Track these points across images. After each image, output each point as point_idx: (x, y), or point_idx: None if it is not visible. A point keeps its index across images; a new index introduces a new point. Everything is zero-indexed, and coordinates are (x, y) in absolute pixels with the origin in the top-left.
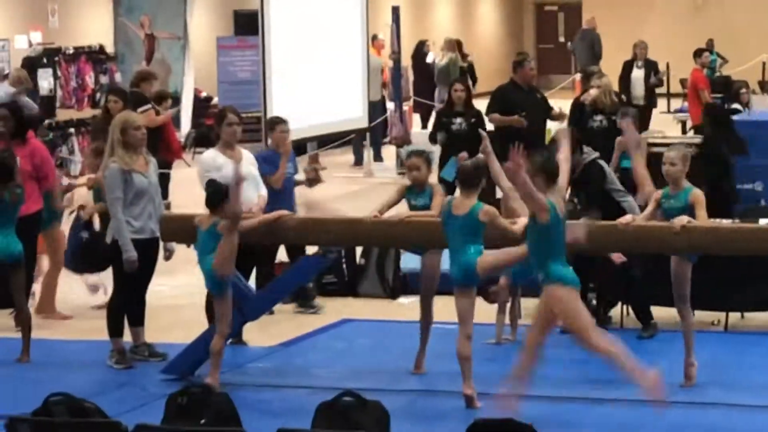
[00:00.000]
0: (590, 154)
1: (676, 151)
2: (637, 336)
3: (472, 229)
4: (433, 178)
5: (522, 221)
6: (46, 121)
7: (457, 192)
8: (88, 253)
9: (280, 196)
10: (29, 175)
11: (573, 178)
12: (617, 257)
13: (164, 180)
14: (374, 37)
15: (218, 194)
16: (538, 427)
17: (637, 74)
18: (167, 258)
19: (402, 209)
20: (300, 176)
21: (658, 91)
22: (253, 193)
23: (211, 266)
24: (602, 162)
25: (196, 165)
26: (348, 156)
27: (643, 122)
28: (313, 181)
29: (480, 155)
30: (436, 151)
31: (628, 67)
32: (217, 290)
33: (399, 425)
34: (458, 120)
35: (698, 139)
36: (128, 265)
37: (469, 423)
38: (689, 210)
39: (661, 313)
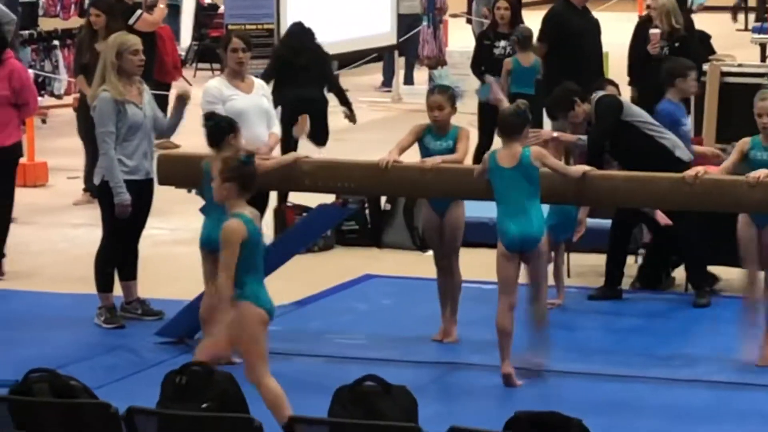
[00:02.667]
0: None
1: None
2: (692, 303)
3: (529, 178)
4: (457, 120)
5: (574, 167)
6: (27, 32)
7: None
8: None
9: None
10: (7, 101)
11: (594, 128)
12: (662, 218)
13: (161, 104)
14: None
15: (220, 129)
16: (590, 411)
17: None
18: None
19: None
20: None
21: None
22: (263, 130)
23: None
24: (615, 95)
25: (201, 92)
26: (373, 77)
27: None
28: None
29: (523, 101)
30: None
31: None
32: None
33: (426, 406)
34: (501, 43)
35: None
36: (120, 210)
37: (507, 401)
38: None
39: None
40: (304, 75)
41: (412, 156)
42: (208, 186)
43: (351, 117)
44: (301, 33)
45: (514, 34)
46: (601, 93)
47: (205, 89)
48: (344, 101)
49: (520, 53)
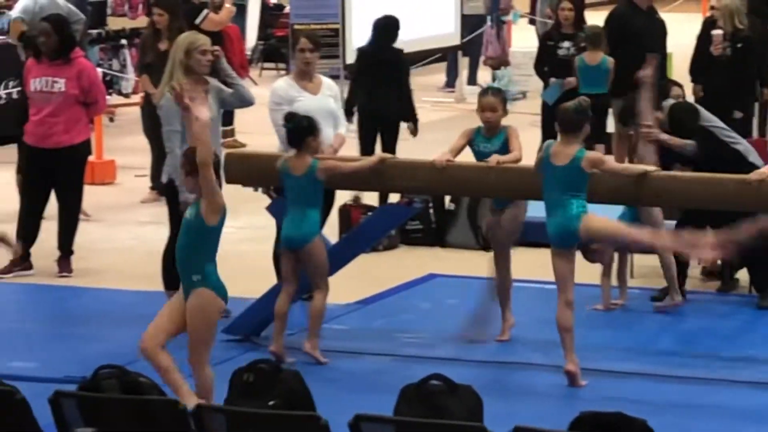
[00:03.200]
0: (666, 102)
1: None
2: (756, 305)
3: (573, 181)
4: (521, 120)
5: (634, 166)
6: (95, 31)
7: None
8: None
9: None
10: (76, 100)
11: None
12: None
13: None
14: None
15: (300, 130)
16: (653, 412)
17: None
18: None
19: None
20: None
21: None
22: (329, 131)
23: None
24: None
25: (267, 91)
26: (437, 77)
27: None
28: None
29: (584, 98)
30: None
31: None
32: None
33: (489, 405)
34: (565, 44)
35: None
36: (185, 208)
37: (570, 401)
38: None
39: None
40: (379, 82)
41: (466, 158)
42: (287, 185)
43: (413, 131)
44: (382, 35)
45: (583, 33)
46: (671, 101)
47: (272, 90)
48: (411, 116)
49: (589, 52)
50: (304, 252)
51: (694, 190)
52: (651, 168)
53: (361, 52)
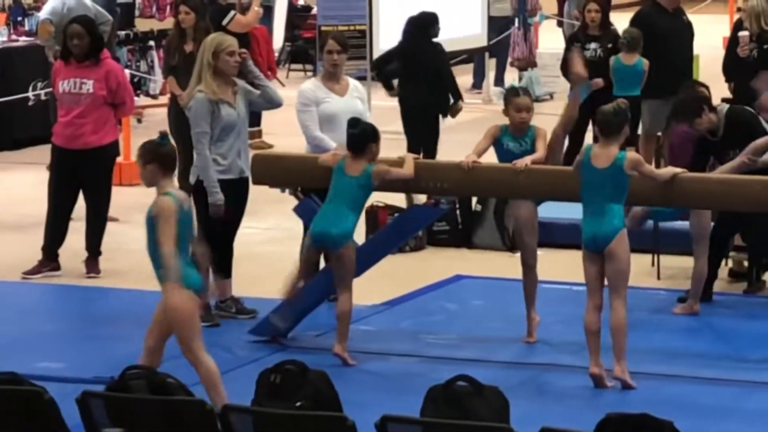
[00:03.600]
0: (721, 105)
1: None
2: None
3: (616, 183)
4: (549, 121)
5: (667, 170)
6: (123, 33)
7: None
8: None
9: None
10: (104, 101)
11: (722, 140)
12: None
13: None
14: None
15: (364, 136)
16: (680, 414)
17: None
18: None
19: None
20: None
21: None
22: None
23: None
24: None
25: (294, 93)
26: (464, 78)
27: None
28: None
29: (623, 101)
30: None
31: None
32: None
33: (516, 407)
34: (593, 45)
35: None
36: (214, 209)
37: (597, 403)
38: None
39: None
40: (421, 75)
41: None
42: (335, 182)
43: (454, 113)
44: (420, 30)
45: (622, 37)
46: (726, 105)
47: (299, 92)
48: (457, 95)
49: (625, 53)
50: (336, 255)
51: (725, 192)
52: (679, 170)
53: (399, 49)
